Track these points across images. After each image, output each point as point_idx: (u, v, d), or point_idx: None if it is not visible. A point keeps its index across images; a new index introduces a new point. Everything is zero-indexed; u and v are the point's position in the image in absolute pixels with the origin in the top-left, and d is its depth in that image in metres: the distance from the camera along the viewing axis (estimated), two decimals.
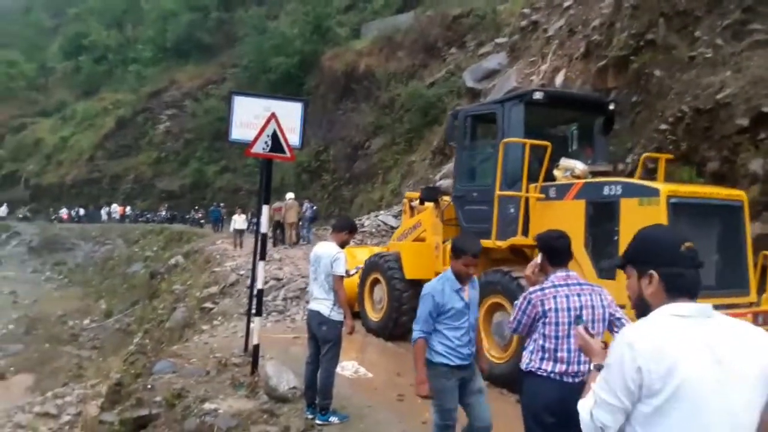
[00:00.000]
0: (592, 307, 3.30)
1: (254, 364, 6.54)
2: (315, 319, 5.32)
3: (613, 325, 3.39)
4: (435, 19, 25.82)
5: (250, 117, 6.64)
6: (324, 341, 5.29)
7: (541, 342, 3.28)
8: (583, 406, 1.91)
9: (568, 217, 6.09)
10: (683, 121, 10.35)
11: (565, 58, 16.45)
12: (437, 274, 8.30)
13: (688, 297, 1.87)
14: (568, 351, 3.24)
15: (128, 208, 42.47)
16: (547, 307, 3.25)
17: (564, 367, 3.24)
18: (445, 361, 3.83)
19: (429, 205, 8.90)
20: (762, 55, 9.75)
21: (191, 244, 25.32)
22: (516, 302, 3.41)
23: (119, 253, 34.27)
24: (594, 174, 6.98)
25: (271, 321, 10.12)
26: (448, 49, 24.58)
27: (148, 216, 40.59)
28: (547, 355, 3.24)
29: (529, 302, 3.30)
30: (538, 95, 7.14)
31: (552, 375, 3.24)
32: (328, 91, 30.77)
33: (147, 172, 44.24)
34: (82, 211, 44.38)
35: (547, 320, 3.25)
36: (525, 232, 6.76)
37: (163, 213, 39.58)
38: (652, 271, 1.90)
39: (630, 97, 12.38)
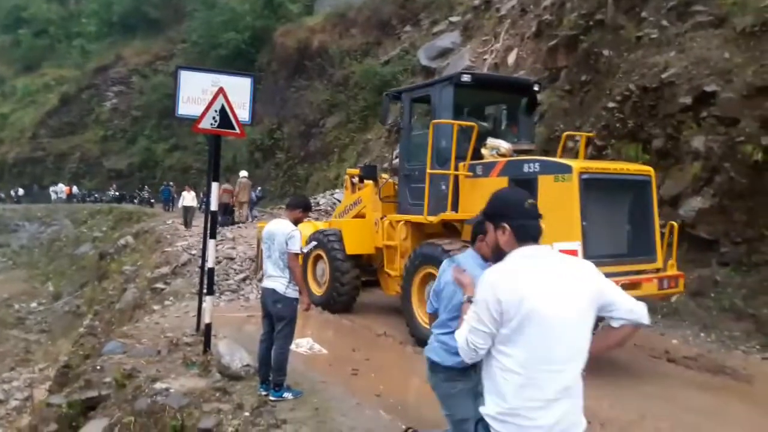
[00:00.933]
0: None
1: (206, 342, 6.48)
2: (270, 296, 5.29)
3: None
4: None
5: (197, 92, 6.51)
6: (279, 318, 5.27)
7: None
8: (460, 334, 2.40)
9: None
10: (630, 99, 10.63)
11: (517, 37, 16.63)
12: (377, 249, 8.74)
13: (532, 242, 2.38)
14: None
15: (75, 188, 41.11)
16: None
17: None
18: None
19: (368, 182, 9.22)
20: (704, 36, 10.06)
21: (141, 224, 24.75)
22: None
23: (66, 234, 33.24)
24: (518, 152, 7.37)
25: (224, 300, 10.03)
26: (403, 27, 24.50)
27: (96, 196, 39.42)
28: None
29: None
30: (465, 77, 7.45)
31: None
32: (281, 67, 30.31)
33: (94, 150, 42.87)
34: (21, 191, 42.62)
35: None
36: (455, 208, 7.13)
37: (112, 192, 38.51)
38: (504, 224, 2.38)
39: (579, 76, 12.62)
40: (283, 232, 5.24)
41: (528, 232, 2.38)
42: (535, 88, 8.31)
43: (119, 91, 43.73)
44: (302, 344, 7.06)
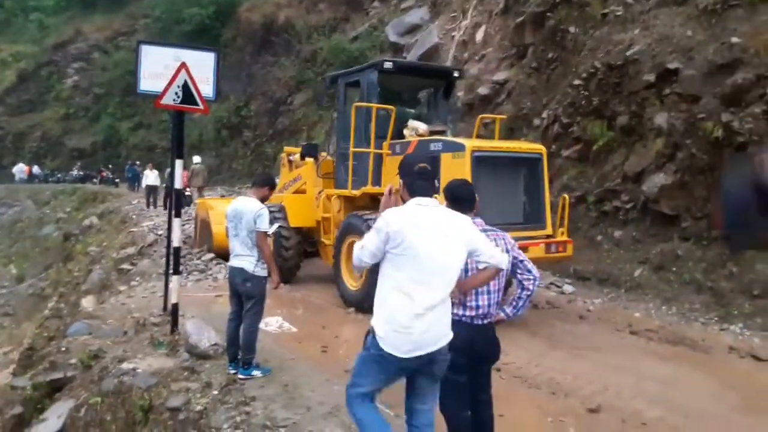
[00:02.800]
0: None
1: (174, 322, 6.43)
2: (238, 275, 5.25)
3: (516, 267, 3.54)
4: None
5: (159, 67, 6.37)
6: (248, 297, 5.24)
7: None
8: (357, 245, 3.19)
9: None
10: (595, 76, 10.74)
11: (485, 13, 16.59)
12: (317, 222, 9.25)
13: (423, 195, 3.18)
14: (477, 295, 3.37)
15: (35, 167, 39.94)
16: None
17: (474, 311, 3.38)
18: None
19: (309, 160, 9.90)
20: (667, 14, 10.18)
21: (106, 204, 24.26)
22: None
23: (29, 215, 32.37)
24: (432, 133, 8.13)
25: (192, 281, 9.93)
26: (371, 3, 24.20)
27: (59, 175, 38.39)
28: (457, 301, 3.34)
29: None
30: (388, 65, 8.29)
31: (463, 318, 3.37)
32: (247, 43, 29.73)
33: (55, 129, 41.55)
34: None
35: None
36: (378, 182, 8.02)
37: (75, 172, 37.55)
38: (402, 180, 3.27)
39: (546, 53, 12.68)
40: (251, 210, 5.19)
41: (417, 187, 3.21)
42: (455, 74, 9.19)
43: (80, 68, 42.32)
44: (271, 323, 7.06)
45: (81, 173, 37.20)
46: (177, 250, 6.47)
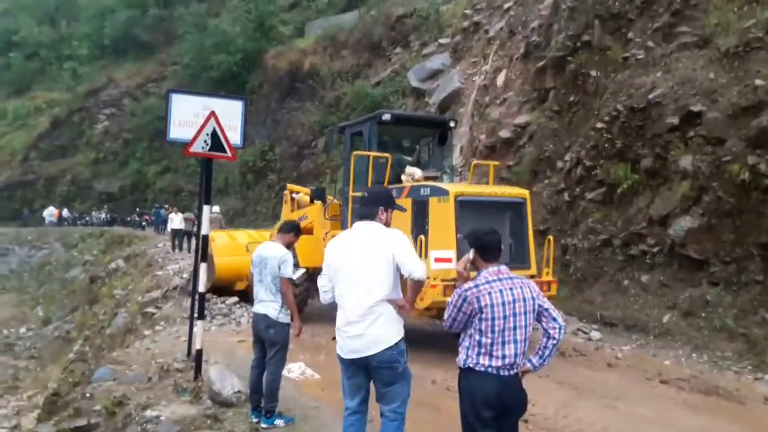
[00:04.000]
0: (524, 299, 3.38)
1: (197, 368, 6.42)
2: (262, 322, 5.25)
3: (541, 315, 3.47)
4: (379, 18, 25.87)
5: (188, 115, 6.52)
6: (271, 344, 5.23)
7: (477, 337, 3.33)
8: (319, 282, 4.00)
9: (402, 213, 7.47)
10: (618, 119, 10.73)
11: (505, 58, 16.79)
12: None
13: (359, 219, 3.93)
14: (504, 344, 3.32)
15: (65, 211, 40.83)
16: (483, 303, 3.29)
17: (500, 361, 3.31)
18: None
19: (318, 202, 10.31)
20: (689, 57, 10.20)
21: (132, 247, 24.62)
22: (450, 299, 3.42)
23: (57, 258, 32.96)
24: (426, 178, 8.73)
25: (215, 325, 9.95)
26: (393, 49, 24.69)
27: (87, 218, 39.13)
28: (483, 350, 3.30)
29: (464, 299, 3.33)
30: (386, 116, 8.93)
31: (490, 369, 3.31)
32: (273, 89, 30.44)
33: (85, 173, 42.65)
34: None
35: (484, 316, 3.29)
36: None
37: (103, 215, 38.25)
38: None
39: (567, 96, 12.74)
40: (276, 256, 5.23)
41: (356, 212, 3.97)
42: (450, 124, 9.84)
43: (111, 114, 43.64)
44: (294, 369, 7.01)
45: (108, 216, 37.88)
46: (202, 295, 6.51)
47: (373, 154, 8.77)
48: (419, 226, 7.79)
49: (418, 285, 3.75)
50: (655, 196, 10.01)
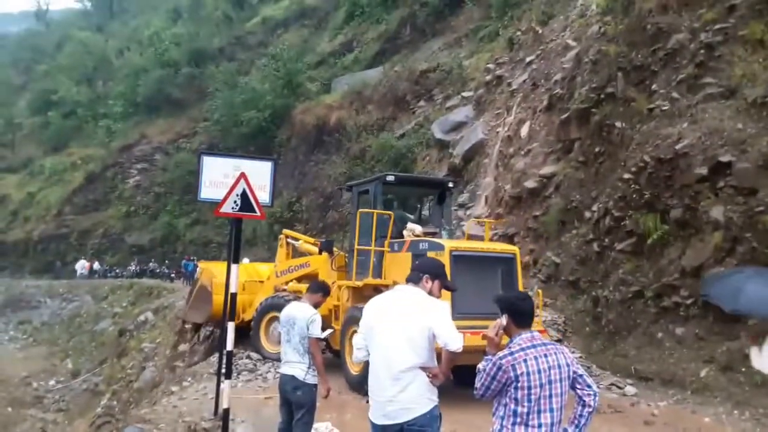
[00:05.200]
0: (559, 366, 3.30)
1: (225, 428, 6.36)
2: (289, 383, 5.21)
3: (575, 382, 3.38)
4: (403, 73, 26.45)
5: (219, 176, 6.68)
6: (299, 406, 5.17)
7: (513, 406, 3.24)
8: (355, 341, 4.07)
9: (403, 265, 7.82)
10: (645, 170, 10.67)
11: (529, 110, 16.93)
12: (329, 310, 9.85)
13: (407, 282, 4.01)
14: (540, 413, 3.23)
15: (96, 263, 41.56)
16: (519, 372, 3.21)
17: (537, 430, 3.21)
18: None
19: (325, 253, 10.88)
20: (716, 108, 10.18)
21: (161, 300, 24.85)
22: (482, 366, 3.34)
23: (87, 310, 33.36)
24: (426, 234, 9.35)
25: (242, 381, 9.89)
26: (417, 102, 25.12)
27: (118, 271, 39.74)
28: (519, 420, 3.21)
29: (499, 368, 3.24)
30: (390, 178, 9.61)
31: None
32: (300, 143, 31.05)
33: (116, 226, 43.56)
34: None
35: (519, 384, 3.21)
36: (378, 275, 9.12)
37: (133, 267, 38.82)
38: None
39: (593, 147, 12.74)
40: (305, 316, 5.22)
41: (407, 278, 4.03)
42: (450, 185, 10.47)
43: (143, 168, 44.80)
44: (321, 429, 6.90)
45: (138, 268, 38.43)
46: (230, 353, 6.51)
47: (377, 211, 9.45)
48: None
49: (453, 355, 3.75)
50: (687, 247, 9.84)
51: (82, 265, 40.64)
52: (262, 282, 12.23)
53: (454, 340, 3.68)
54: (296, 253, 12.13)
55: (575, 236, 12.52)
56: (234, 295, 6.64)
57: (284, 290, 11.18)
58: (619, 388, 9.21)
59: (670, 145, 10.36)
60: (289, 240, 12.13)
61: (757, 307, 4.81)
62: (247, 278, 12.06)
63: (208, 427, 6.98)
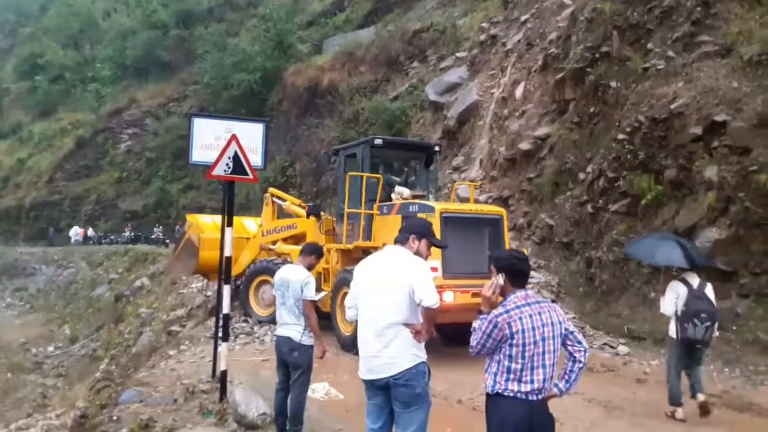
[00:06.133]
0: (552, 324, 3.34)
1: (222, 390, 6.43)
2: (285, 344, 5.25)
3: (567, 339, 3.42)
4: (396, 34, 25.99)
5: (210, 138, 6.59)
6: (295, 367, 5.22)
7: (506, 363, 3.28)
8: (347, 300, 4.15)
9: (393, 227, 7.65)
10: (640, 130, 10.63)
11: (524, 71, 16.75)
12: (319, 273, 9.99)
13: (395, 243, 4.10)
14: (533, 370, 3.27)
15: (90, 230, 41.45)
16: (514, 329, 3.24)
17: (530, 386, 3.26)
18: None
19: (312, 217, 11.00)
20: (711, 66, 10.09)
21: (157, 265, 24.88)
22: (477, 325, 3.37)
23: (83, 277, 33.43)
24: (414, 197, 9.55)
25: (239, 343, 9.98)
26: (410, 63, 24.77)
27: (112, 237, 39.67)
28: (513, 376, 3.25)
29: (495, 325, 3.27)
30: (378, 141, 9.83)
31: (519, 395, 3.26)
32: (292, 106, 30.68)
33: (109, 192, 43.27)
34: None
35: (515, 342, 3.24)
36: (368, 238, 9.30)
37: (127, 234, 38.77)
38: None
39: (588, 108, 12.65)
40: (299, 279, 5.23)
41: (395, 239, 4.12)
42: (435, 149, 10.68)
43: (133, 134, 44.26)
44: (318, 389, 7.00)
45: (132, 234, 38.36)
46: (226, 316, 6.54)
47: (366, 174, 9.61)
48: None
49: (430, 312, 3.84)
50: (680, 207, 9.87)
51: (75, 232, 40.52)
52: (248, 239, 12.24)
53: (429, 297, 3.76)
54: (281, 212, 12.24)
55: (569, 198, 12.53)
56: (229, 259, 6.63)
57: (270, 250, 11.44)
58: (612, 347, 9.35)
59: (664, 104, 10.30)
60: (274, 199, 12.23)
61: (667, 259, 6.39)
62: (234, 234, 11.97)
63: (206, 388, 7.05)
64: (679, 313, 6.14)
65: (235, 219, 13.91)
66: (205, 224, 12.11)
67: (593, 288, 11.14)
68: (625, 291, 10.42)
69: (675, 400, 6.32)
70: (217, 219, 12.22)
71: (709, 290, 6.24)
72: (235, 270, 11.28)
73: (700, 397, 6.17)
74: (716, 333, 6.37)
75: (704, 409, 6.12)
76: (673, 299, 6.25)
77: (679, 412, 6.26)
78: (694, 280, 6.25)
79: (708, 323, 5.97)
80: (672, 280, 6.41)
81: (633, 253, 7.89)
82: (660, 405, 6.74)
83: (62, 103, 54.85)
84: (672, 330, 6.31)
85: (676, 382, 6.33)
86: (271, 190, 12.93)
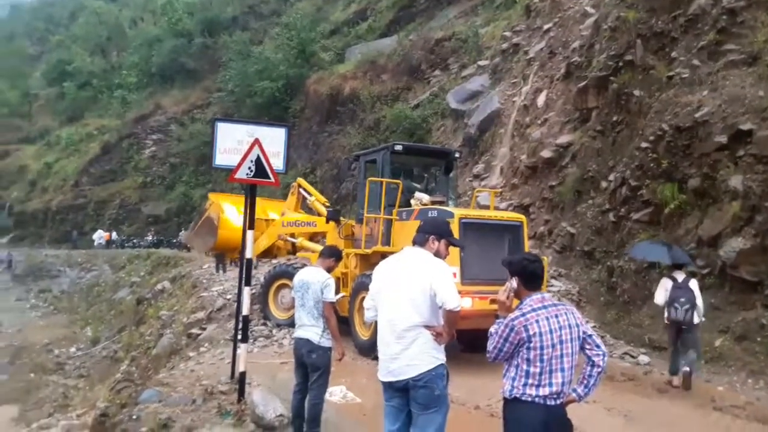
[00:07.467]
0: (569, 326, 3.31)
1: (241, 391, 6.48)
2: (304, 346, 5.28)
3: (585, 343, 3.39)
4: (418, 42, 26.08)
5: (233, 143, 6.67)
6: (314, 369, 5.24)
7: (525, 367, 3.26)
8: (365, 302, 4.15)
9: (411, 233, 7.95)
10: (663, 139, 10.53)
11: (546, 79, 16.69)
12: (337, 278, 9.81)
13: (413, 245, 4.10)
14: (551, 373, 3.25)
15: (114, 234, 42.04)
16: (531, 332, 3.22)
17: (548, 390, 3.24)
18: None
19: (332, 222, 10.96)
20: (737, 75, 9.96)
21: (178, 269, 25.10)
22: (494, 329, 3.35)
23: (105, 279, 33.85)
24: (434, 203, 9.45)
25: (258, 346, 10.04)
26: (432, 72, 24.81)
27: (135, 241, 40.17)
28: (531, 380, 3.23)
29: (511, 329, 3.25)
30: (398, 147, 9.80)
31: (537, 399, 3.24)
32: (314, 113, 30.89)
33: (133, 196, 43.89)
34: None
35: (532, 345, 3.22)
36: (387, 243, 9.25)
37: (150, 238, 39.20)
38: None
39: (611, 116, 12.57)
40: (318, 280, 5.27)
41: (413, 239, 4.10)
42: (456, 155, 10.77)
43: (158, 139, 44.89)
44: (335, 392, 7.01)
45: (155, 239, 38.80)
46: (246, 318, 6.59)
47: (386, 180, 9.61)
48: None
49: (452, 315, 3.80)
50: (704, 217, 9.75)
51: (99, 235, 41.10)
52: (267, 221, 12.35)
53: (451, 299, 3.74)
54: (305, 205, 12.29)
55: (591, 206, 12.43)
56: (249, 261, 6.68)
57: (287, 240, 11.75)
58: (633, 357, 9.25)
59: (689, 113, 10.19)
60: (301, 190, 12.26)
61: (655, 257, 8.51)
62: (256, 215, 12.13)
63: (225, 389, 7.10)
64: (667, 300, 7.61)
65: (258, 199, 13.95)
66: (228, 206, 12.26)
67: (614, 297, 11.03)
68: (646, 300, 10.29)
69: (672, 371, 7.81)
70: (237, 200, 12.34)
71: (693, 284, 7.65)
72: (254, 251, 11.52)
73: (686, 369, 7.52)
74: (701, 318, 7.65)
75: (686, 384, 7.52)
76: (662, 291, 7.78)
77: (675, 380, 7.72)
78: (680, 276, 7.72)
79: (687, 306, 7.40)
80: (663, 277, 8.07)
81: (634, 254, 9.47)
82: (681, 415, 6.64)
83: (89, 109, 55.90)
84: (665, 316, 7.76)
85: (673, 357, 7.82)
86: (299, 180, 12.95)
